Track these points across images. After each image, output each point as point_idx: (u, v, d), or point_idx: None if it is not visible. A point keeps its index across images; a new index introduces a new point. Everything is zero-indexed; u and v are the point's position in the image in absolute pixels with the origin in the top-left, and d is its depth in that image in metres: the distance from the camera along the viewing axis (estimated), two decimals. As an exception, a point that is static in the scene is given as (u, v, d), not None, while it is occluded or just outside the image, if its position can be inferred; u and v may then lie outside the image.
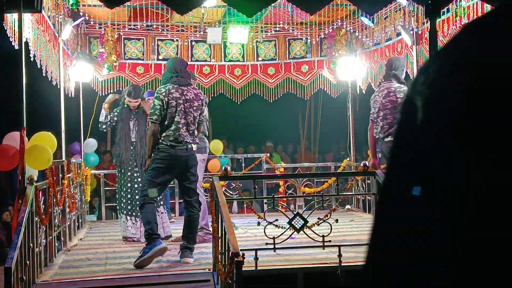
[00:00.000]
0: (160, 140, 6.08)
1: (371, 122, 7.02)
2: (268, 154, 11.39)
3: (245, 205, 10.38)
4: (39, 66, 7.18)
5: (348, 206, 10.68)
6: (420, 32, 8.57)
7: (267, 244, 5.47)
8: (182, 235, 6.27)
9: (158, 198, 6.75)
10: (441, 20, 7.96)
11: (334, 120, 13.45)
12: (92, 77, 10.18)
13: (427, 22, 8.38)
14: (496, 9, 0.83)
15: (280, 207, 7.03)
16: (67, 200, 7.37)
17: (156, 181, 6.06)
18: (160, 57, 10.57)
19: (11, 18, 5.94)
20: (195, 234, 6.22)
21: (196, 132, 6.22)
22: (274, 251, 5.58)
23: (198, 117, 6.20)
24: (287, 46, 11.08)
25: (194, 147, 6.18)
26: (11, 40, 6.06)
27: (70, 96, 9.48)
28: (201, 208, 6.49)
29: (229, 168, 6.51)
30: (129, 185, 7.52)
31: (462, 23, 7.38)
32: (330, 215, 5.85)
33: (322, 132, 15.34)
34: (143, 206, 6.11)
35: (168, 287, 5.42)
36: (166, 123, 6.06)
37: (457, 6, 7.43)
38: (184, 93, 6.13)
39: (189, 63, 10.48)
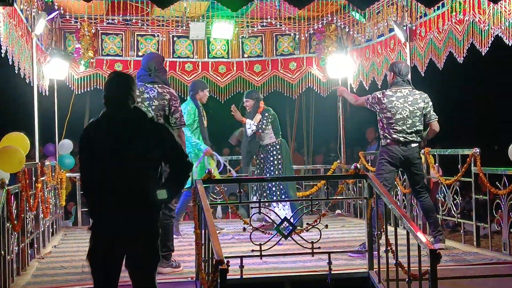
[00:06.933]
0: None
1: (369, 107, 7.03)
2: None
3: (230, 210, 10.37)
4: (11, 63, 7.14)
5: (338, 211, 10.72)
6: (413, 28, 8.62)
7: (253, 251, 5.48)
8: None
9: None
10: (435, 15, 8.02)
11: (324, 120, 13.46)
12: (67, 74, 10.14)
13: (420, 17, 8.45)
14: None
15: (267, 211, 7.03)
16: (40, 204, 7.34)
17: None
18: (140, 53, 10.52)
19: (-19, 11, 5.92)
20: (166, 240, 5.87)
21: None
22: (261, 259, 5.57)
23: (158, 118, 5.89)
24: (274, 42, 11.10)
25: None
26: (-19, 35, 6.03)
27: (44, 94, 9.44)
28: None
29: (213, 170, 6.50)
30: None
31: (458, 19, 7.44)
32: (320, 220, 5.86)
33: (312, 132, 15.33)
34: None
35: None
36: None
37: (453, 1, 7.49)
38: (145, 91, 5.98)
39: (170, 59, 10.52)
